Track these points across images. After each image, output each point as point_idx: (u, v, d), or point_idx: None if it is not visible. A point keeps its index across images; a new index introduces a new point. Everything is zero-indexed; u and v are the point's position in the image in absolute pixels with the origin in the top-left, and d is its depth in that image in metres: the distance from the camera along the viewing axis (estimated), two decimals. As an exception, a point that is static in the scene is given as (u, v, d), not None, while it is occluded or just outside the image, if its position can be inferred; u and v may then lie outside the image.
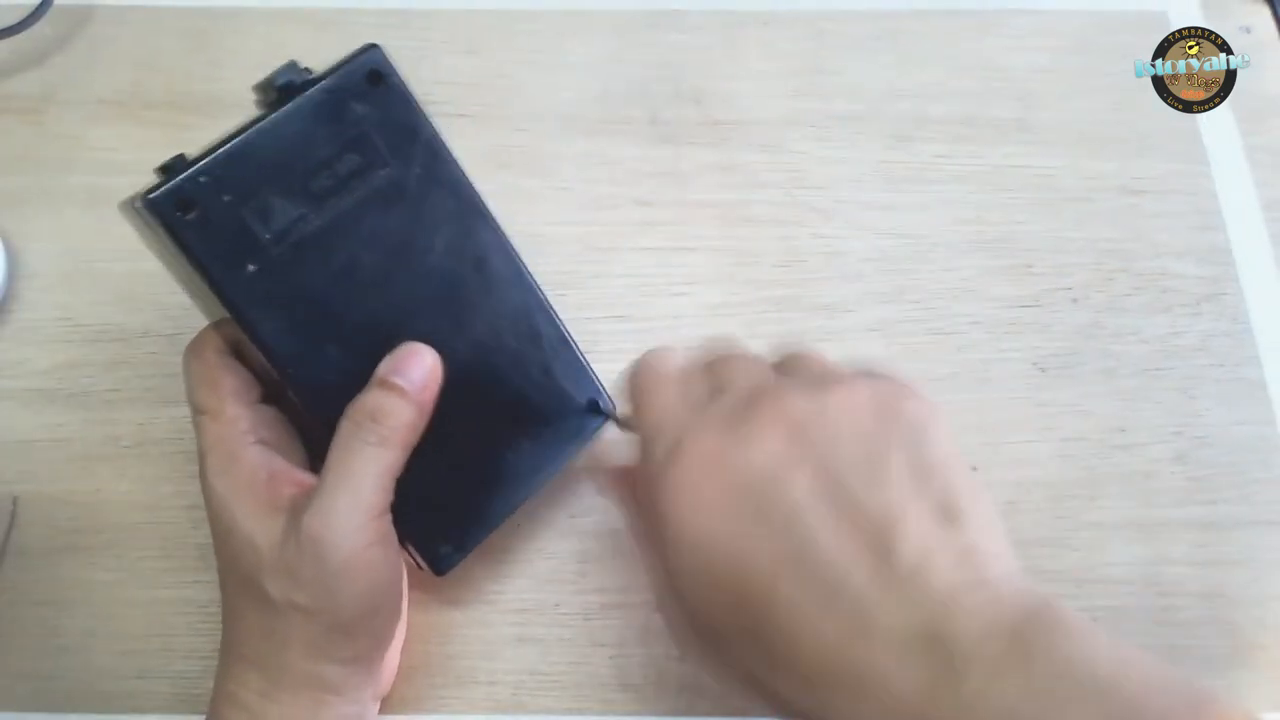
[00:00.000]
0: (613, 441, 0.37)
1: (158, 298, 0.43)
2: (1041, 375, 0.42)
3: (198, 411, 0.31)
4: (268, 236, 0.29)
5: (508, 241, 0.33)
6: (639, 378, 0.30)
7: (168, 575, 0.38)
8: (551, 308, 0.35)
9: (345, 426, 0.30)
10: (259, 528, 0.29)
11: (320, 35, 0.49)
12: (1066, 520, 0.39)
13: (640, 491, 0.29)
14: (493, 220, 0.33)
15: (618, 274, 0.44)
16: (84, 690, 0.36)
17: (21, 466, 0.40)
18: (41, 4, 0.48)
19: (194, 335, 0.32)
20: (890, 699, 0.22)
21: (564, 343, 0.35)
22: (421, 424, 0.31)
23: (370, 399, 0.30)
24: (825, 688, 0.23)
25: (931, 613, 0.22)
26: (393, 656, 0.35)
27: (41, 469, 0.40)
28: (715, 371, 0.29)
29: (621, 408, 0.33)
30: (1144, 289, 0.44)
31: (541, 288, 0.34)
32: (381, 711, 0.35)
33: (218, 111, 0.47)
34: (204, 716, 0.31)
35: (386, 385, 0.30)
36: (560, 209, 0.45)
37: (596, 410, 0.36)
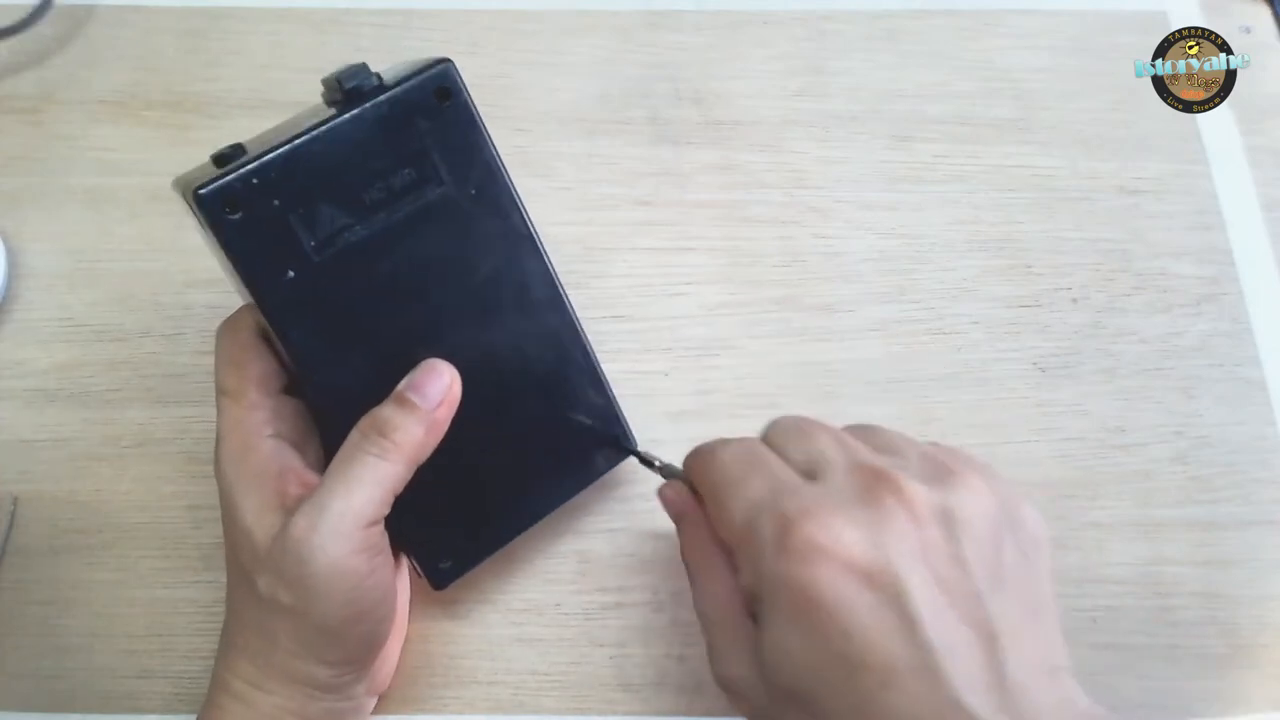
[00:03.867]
0: (624, 471, 0.37)
1: (158, 298, 0.43)
2: (1041, 375, 0.42)
3: (221, 392, 0.31)
4: (312, 244, 0.28)
5: (552, 268, 0.33)
6: (712, 474, 0.29)
7: (168, 575, 0.38)
8: (587, 339, 0.34)
9: (353, 436, 0.30)
10: (259, 522, 0.29)
11: (320, 35, 0.49)
12: (1066, 520, 0.39)
13: (706, 541, 0.29)
14: (540, 246, 0.32)
15: (618, 274, 0.44)
16: (84, 690, 0.36)
17: (21, 466, 0.40)
18: (41, 4, 0.48)
19: (228, 314, 0.32)
20: None
21: (594, 375, 0.35)
22: (432, 442, 0.30)
23: (382, 412, 0.30)
24: None
25: None
26: (391, 655, 0.35)
27: (41, 469, 0.40)
28: (797, 447, 0.28)
29: (692, 506, 0.31)
30: (1143, 289, 0.44)
31: (580, 319, 0.34)
32: (382, 711, 0.35)
33: (218, 111, 0.47)
34: (204, 715, 0.31)
35: (400, 400, 0.30)
36: (560, 209, 0.45)
37: (618, 446, 0.36)
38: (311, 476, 0.31)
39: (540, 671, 0.37)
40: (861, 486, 0.26)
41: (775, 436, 0.29)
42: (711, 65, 0.49)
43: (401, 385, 0.30)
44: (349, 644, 0.30)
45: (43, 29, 0.48)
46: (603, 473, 0.36)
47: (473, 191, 0.30)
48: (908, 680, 0.23)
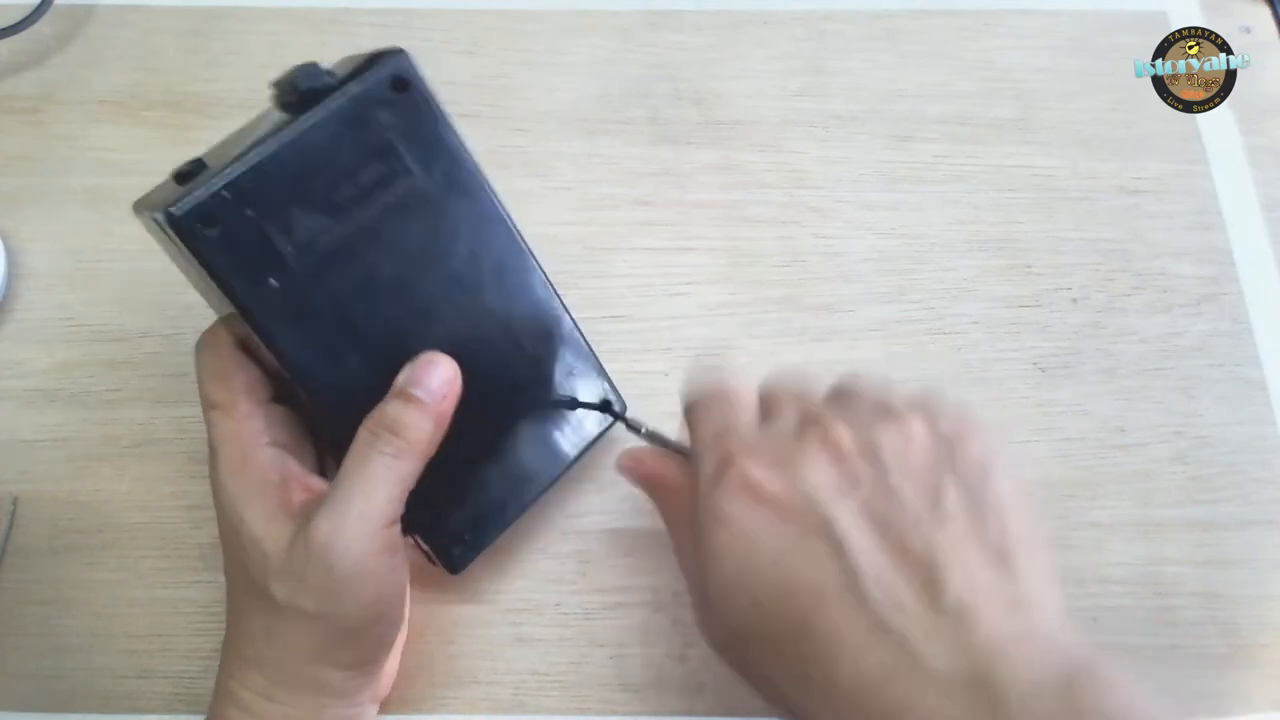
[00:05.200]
0: (619, 440, 0.37)
1: (158, 298, 0.43)
2: (1041, 375, 0.42)
3: (209, 406, 0.31)
4: (290, 250, 0.28)
5: (526, 246, 0.33)
6: (695, 396, 0.31)
7: (168, 575, 0.38)
8: (567, 309, 0.35)
9: (362, 436, 0.30)
10: (268, 531, 0.29)
11: (320, 35, 0.49)
12: (1066, 520, 0.39)
13: (685, 503, 0.30)
14: (512, 224, 0.32)
15: (618, 274, 0.44)
16: (84, 690, 0.36)
17: (21, 466, 0.40)
18: (41, 4, 0.48)
19: (204, 329, 0.32)
20: None
21: (578, 344, 0.35)
22: (439, 435, 0.30)
23: (388, 410, 0.30)
24: (860, 715, 0.24)
25: (977, 659, 0.23)
26: (393, 660, 0.35)
27: (41, 469, 0.40)
28: (769, 399, 0.30)
29: (675, 424, 0.33)
30: (1143, 289, 0.44)
31: (558, 290, 0.34)
32: (382, 711, 0.35)
33: (218, 111, 0.47)
34: (204, 715, 0.31)
35: (405, 396, 0.30)
36: (560, 209, 0.45)
37: (607, 410, 0.36)
38: (314, 481, 0.31)
39: (540, 671, 0.37)
40: (798, 429, 0.28)
41: (765, 385, 0.31)
42: (711, 65, 0.49)
43: (401, 380, 0.30)
44: (366, 644, 0.31)
45: (43, 29, 0.48)
46: (596, 436, 0.37)
47: (440, 178, 0.30)
48: (835, 601, 0.24)
